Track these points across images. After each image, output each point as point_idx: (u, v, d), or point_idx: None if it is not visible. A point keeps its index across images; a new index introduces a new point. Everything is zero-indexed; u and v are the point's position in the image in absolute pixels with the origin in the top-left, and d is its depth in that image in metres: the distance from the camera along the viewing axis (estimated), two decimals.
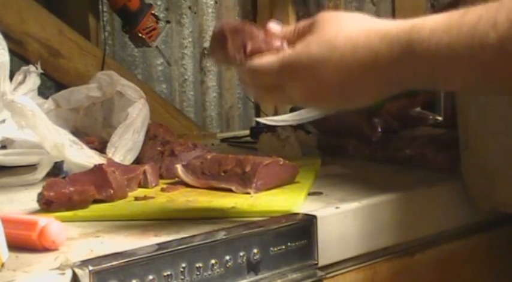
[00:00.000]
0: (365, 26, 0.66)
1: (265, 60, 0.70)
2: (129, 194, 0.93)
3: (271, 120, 1.57)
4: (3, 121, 1.12)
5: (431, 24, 0.62)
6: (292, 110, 1.57)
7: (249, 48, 0.71)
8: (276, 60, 0.69)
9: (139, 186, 0.98)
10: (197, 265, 0.69)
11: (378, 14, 2.44)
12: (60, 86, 1.63)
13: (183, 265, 0.68)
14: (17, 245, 0.67)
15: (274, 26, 0.73)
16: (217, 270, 0.70)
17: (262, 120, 1.74)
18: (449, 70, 0.62)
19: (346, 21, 0.68)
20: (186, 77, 2.04)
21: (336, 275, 0.85)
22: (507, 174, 0.91)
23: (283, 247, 0.77)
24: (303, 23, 0.71)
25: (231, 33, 0.72)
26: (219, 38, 0.73)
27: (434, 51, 0.61)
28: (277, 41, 0.71)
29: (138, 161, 1.11)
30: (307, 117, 1.37)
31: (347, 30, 0.66)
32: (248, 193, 0.91)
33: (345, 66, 0.66)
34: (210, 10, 2.08)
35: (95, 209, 0.86)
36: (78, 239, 0.73)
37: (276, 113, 2.12)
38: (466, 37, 0.59)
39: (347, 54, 0.65)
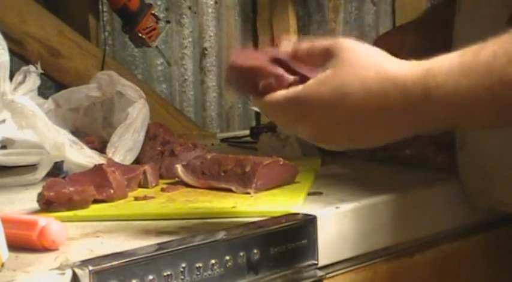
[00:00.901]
0: (379, 68, 0.64)
1: (275, 98, 0.69)
2: (129, 194, 0.93)
3: None
4: (3, 121, 1.12)
5: (446, 67, 0.61)
6: None
7: (261, 86, 0.70)
8: (284, 99, 0.68)
9: (139, 186, 0.98)
10: (197, 265, 0.69)
11: (377, 14, 2.43)
12: (60, 86, 1.63)
13: (183, 265, 0.68)
14: (17, 245, 0.67)
15: (286, 44, 0.71)
16: (217, 270, 0.70)
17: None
18: (471, 112, 0.61)
19: (361, 59, 0.65)
20: (186, 77, 2.04)
21: (336, 275, 0.85)
22: (504, 172, 0.91)
23: (283, 247, 0.77)
24: (319, 46, 0.69)
25: (244, 72, 0.72)
26: (233, 74, 0.74)
27: (453, 96, 0.60)
28: (289, 77, 0.70)
29: (138, 161, 1.11)
30: None
31: (361, 72, 0.64)
32: (248, 193, 0.91)
33: (356, 112, 0.65)
34: (210, 10, 2.08)
35: (95, 209, 0.86)
36: (78, 239, 0.73)
37: None
38: (484, 77, 0.59)
39: (360, 101, 0.64)
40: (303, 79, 0.70)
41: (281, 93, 0.69)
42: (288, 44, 0.72)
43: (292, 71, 0.71)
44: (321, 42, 0.69)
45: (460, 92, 0.60)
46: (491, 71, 0.58)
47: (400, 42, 0.75)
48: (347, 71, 0.65)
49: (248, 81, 0.72)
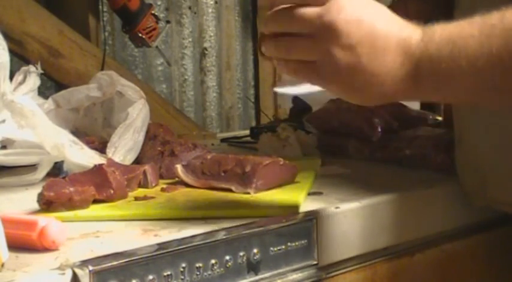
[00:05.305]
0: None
1: (309, 9, 0.68)
2: (129, 194, 0.93)
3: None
4: (3, 121, 1.12)
5: (441, 23, 0.66)
6: (292, 111, 1.58)
7: None
8: (317, 14, 0.67)
9: (139, 186, 0.98)
10: (197, 265, 0.69)
11: None
12: (60, 86, 1.63)
13: (183, 265, 0.68)
14: (17, 245, 0.67)
15: None
16: (217, 270, 0.70)
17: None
18: (455, 79, 0.65)
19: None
20: (186, 77, 2.04)
21: (336, 275, 0.85)
22: (499, 170, 0.91)
23: (283, 247, 0.77)
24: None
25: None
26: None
27: (448, 40, 0.65)
28: None
29: (138, 161, 1.11)
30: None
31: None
32: (248, 193, 0.91)
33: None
34: (210, 10, 2.08)
35: (95, 209, 0.86)
36: (78, 239, 0.73)
37: (276, 114, 2.12)
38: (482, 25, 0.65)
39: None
40: None
41: (316, 9, 0.68)
42: None
43: None
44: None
45: (444, 59, 0.64)
46: (488, 21, 0.65)
47: (403, 12, 0.77)
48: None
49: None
